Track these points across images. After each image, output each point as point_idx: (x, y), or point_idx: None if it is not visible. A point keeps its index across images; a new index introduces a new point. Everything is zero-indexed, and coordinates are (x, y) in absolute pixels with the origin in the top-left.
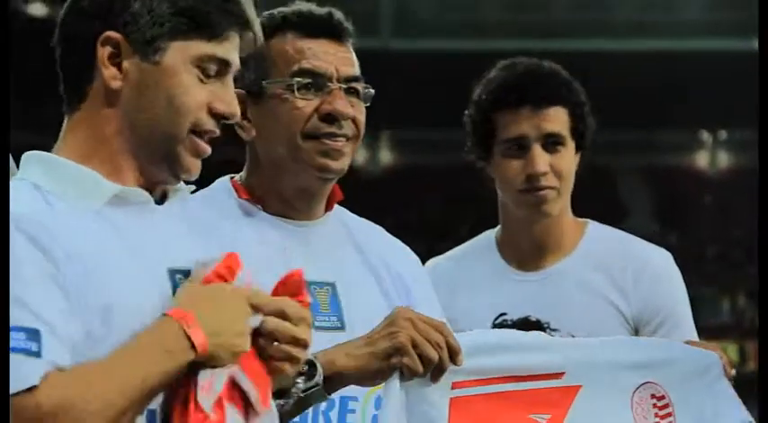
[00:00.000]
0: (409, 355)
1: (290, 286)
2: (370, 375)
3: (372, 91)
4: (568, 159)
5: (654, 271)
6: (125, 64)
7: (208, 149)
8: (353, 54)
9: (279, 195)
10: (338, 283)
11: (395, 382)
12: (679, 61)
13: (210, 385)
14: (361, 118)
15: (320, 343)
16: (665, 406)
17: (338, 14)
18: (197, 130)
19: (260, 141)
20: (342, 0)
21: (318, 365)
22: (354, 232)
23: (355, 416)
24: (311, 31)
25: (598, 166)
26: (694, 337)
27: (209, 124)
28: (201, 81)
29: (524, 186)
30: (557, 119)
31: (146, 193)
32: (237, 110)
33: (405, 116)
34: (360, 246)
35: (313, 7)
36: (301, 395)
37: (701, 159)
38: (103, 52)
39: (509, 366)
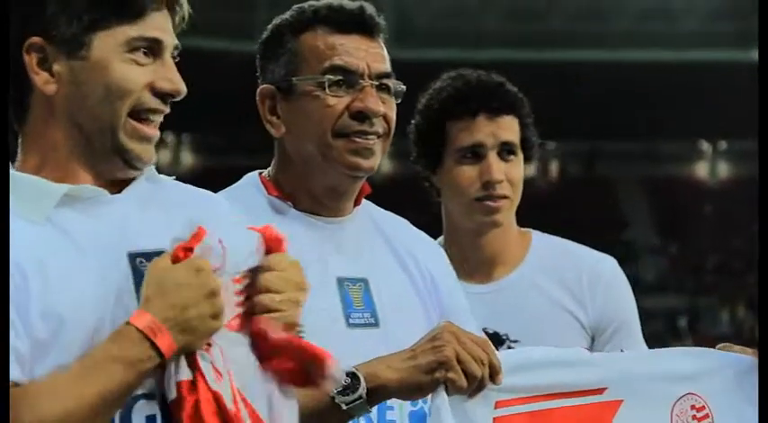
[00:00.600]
0: (454, 370)
1: (269, 243)
2: (412, 389)
3: (404, 87)
4: (520, 169)
5: (607, 281)
6: (55, 67)
7: (153, 133)
8: (385, 49)
9: (308, 192)
10: (370, 279)
11: (442, 395)
12: (678, 72)
13: (216, 370)
14: (392, 115)
15: (355, 339)
16: (705, 417)
17: (370, 9)
18: (137, 111)
19: (289, 138)
20: None
21: (361, 378)
22: (382, 226)
23: None
24: (343, 26)
25: (598, 176)
26: (642, 342)
27: (152, 103)
28: (138, 64)
29: (480, 194)
30: (511, 128)
31: (95, 188)
32: (182, 86)
33: (404, 124)
34: (388, 239)
35: (344, 1)
36: (345, 408)
37: (701, 170)
38: (31, 59)
39: (552, 383)
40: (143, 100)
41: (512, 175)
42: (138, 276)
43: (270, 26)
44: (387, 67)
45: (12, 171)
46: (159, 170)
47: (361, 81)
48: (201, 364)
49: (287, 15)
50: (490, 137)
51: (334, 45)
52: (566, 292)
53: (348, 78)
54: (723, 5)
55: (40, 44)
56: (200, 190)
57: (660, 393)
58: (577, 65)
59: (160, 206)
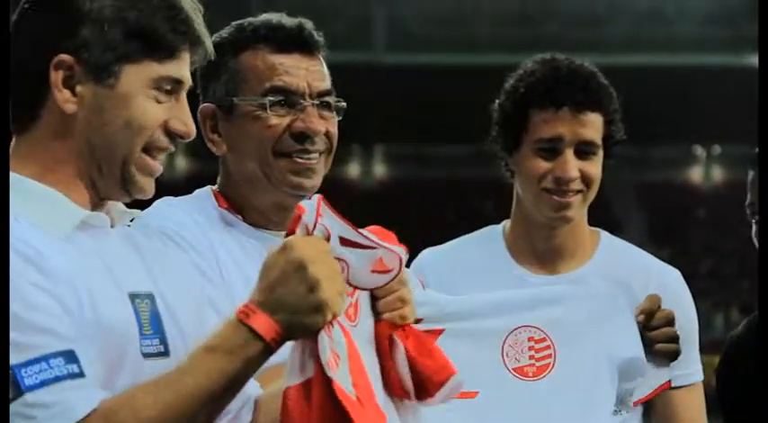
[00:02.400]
0: None
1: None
2: None
3: (344, 103)
4: (598, 166)
5: (674, 292)
6: (79, 88)
7: (159, 168)
8: (324, 66)
9: (255, 208)
10: None
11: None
12: (673, 76)
13: (334, 355)
14: (334, 130)
15: None
16: (545, 348)
17: (309, 25)
18: (149, 147)
19: (232, 157)
20: (334, 14)
21: None
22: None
23: None
24: (282, 45)
25: None
26: (698, 359)
27: (163, 141)
28: (158, 101)
29: (550, 186)
30: (593, 125)
31: (107, 218)
32: (194, 129)
33: (398, 130)
34: None
35: (284, 18)
36: None
37: (695, 174)
38: (57, 76)
39: None
40: (155, 137)
41: (589, 172)
42: (138, 316)
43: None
44: (327, 84)
45: (27, 178)
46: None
47: (302, 101)
48: (320, 350)
49: (226, 33)
50: (570, 133)
51: (274, 65)
52: (629, 297)
53: (289, 99)
54: (717, 11)
55: (69, 63)
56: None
57: (488, 326)
58: None
59: (136, 249)
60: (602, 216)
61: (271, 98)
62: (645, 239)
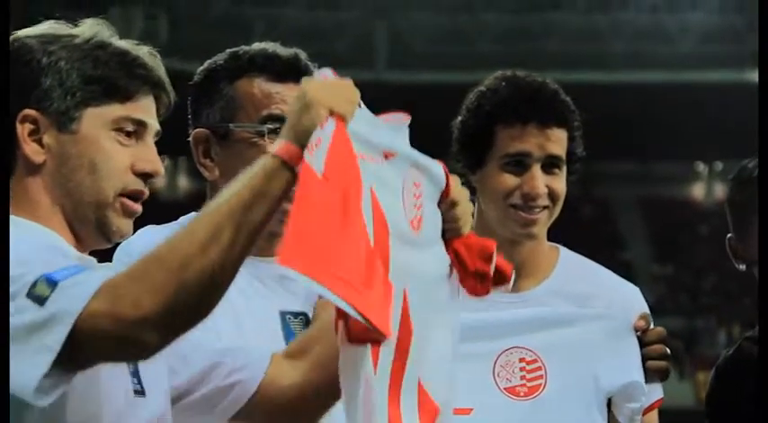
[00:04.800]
0: None
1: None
2: None
3: None
4: (563, 182)
5: (636, 310)
6: (45, 138)
7: (138, 209)
8: None
9: None
10: (309, 312)
11: None
12: (674, 93)
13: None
14: None
15: None
16: (536, 369)
17: (303, 56)
18: (125, 194)
19: (224, 182)
20: (336, 32)
21: None
22: None
23: None
24: (278, 74)
25: (595, 197)
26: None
27: (137, 184)
28: (121, 143)
29: (517, 202)
30: (559, 141)
31: (94, 261)
32: (161, 168)
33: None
34: None
35: (279, 48)
36: None
37: (697, 190)
38: (23, 130)
39: None
40: (128, 182)
41: (555, 188)
42: None
43: (203, 70)
44: None
45: (27, 221)
46: (158, 194)
47: None
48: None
49: (221, 60)
50: (537, 148)
51: (270, 93)
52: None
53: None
54: (718, 27)
55: (33, 116)
56: None
57: (478, 345)
58: (573, 86)
59: None
60: (605, 232)
61: (269, 126)
62: (648, 256)
